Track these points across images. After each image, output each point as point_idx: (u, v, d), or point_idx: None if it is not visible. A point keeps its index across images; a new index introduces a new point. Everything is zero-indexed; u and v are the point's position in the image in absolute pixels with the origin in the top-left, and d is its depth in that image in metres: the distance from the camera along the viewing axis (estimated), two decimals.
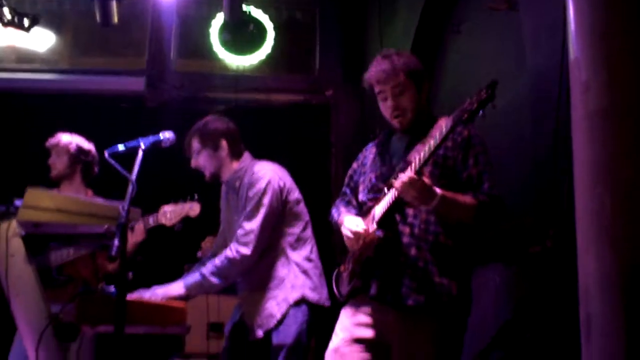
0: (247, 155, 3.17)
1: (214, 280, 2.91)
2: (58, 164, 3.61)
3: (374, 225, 2.35)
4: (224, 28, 4.94)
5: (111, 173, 2.63)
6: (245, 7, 4.68)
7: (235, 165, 3.13)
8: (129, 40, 5.09)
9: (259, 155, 3.21)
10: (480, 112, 2.02)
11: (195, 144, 3.11)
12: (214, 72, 5.12)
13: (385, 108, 2.47)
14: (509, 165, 2.98)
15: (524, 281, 2.95)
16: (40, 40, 4.91)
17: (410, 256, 2.32)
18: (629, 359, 1.78)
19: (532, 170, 2.95)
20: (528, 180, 2.97)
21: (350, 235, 2.45)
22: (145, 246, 3.30)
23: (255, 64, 5.07)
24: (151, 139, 2.65)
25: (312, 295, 2.96)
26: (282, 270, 2.98)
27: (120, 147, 2.63)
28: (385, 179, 2.40)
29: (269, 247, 2.99)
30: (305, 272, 2.99)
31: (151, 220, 3.19)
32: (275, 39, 5.00)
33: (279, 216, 3.01)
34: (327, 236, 3.74)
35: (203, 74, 5.16)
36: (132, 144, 2.62)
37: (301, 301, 2.94)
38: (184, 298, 2.88)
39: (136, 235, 3.20)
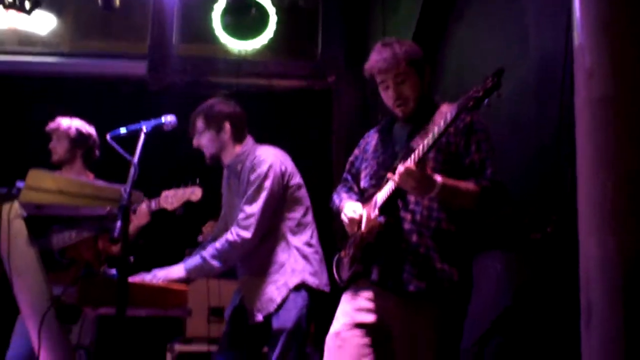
0: (249, 140, 3.17)
1: (215, 263, 2.92)
2: (59, 149, 3.61)
3: (376, 212, 2.35)
4: (226, 12, 4.92)
5: (112, 157, 2.63)
6: None
7: (238, 149, 3.13)
8: (131, 24, 5.06)
9: (260, 140, 3.21)
10: (486, 100, 2.01)
11: (200, 123, 3.11)
12: (216, 56, 5.10)
13: (388, 97, 2.47)
14: (511, 151, 2.98)
15: (524, 268, 2.95)
16: (42, 23, 4.90)
17: (411, 242, 2.33)
18: (629, 345, 1.78)
19: (535, 157, 2.95)
20: (531, 167, 2.96)
21: (349, 221, 2.45)
22: (147, 230, 3.30)
23: (258, 48, 5.05)
24: (153, 122, 2.65)
25: (312, 280, 2.97)
26: (283, 255, 2.98)
27: (122, 130, 2.63)
28: (387, 166, 2.40)
29: (269, 232, 3.00)
30: (305, 257, 3.00)
31: (153, 204, 3.19)
32: (278, 24, 4.99)
33: (280, 200, 3.02)
34: (328, 222, 3.74)
35: (205, 58, 5.13)
36: (134, 127, 2.62)
37: (301, 286, 2.95)
38: (185, 281, 2.89)
39: (140, 217, 3.20)
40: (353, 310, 2.43)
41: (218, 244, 2.94)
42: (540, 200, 2.81)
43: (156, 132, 2.64)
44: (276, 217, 3.01)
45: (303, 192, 3.12)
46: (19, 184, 2.44)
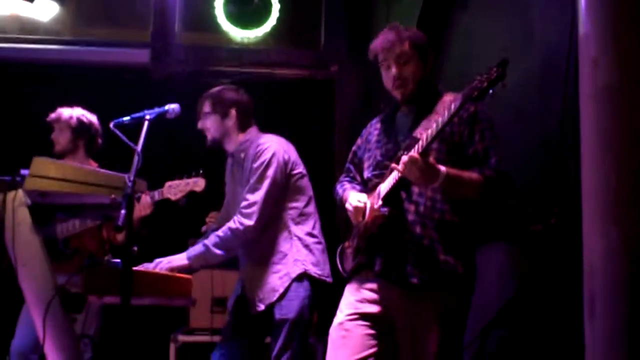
0: (254, 129, 3.17)
1: (217, 251, 2.92)
2: (61, 139, 3.60)
3: (380, 202, 2.35)
4: (229, 0, 4.91)
5: (115, 146, 2.63)
6: None
7: (241, 137, 3.13)
8: (134, 11, 5.03)
9: (261, 130, 3.20)
10: (490, 91, 2.01)
11: (206, 106, 3.13)
12: (219, 45, 5.08)
13: (388, 78, 2.46)
14: (514, 142, 2.98)
15: (527, 259, 2.95)
16: (44, 10, 4.87)
17: (415, 234, 2.32)
18: (633, 336, 1.79)
19: (538, 148, 2.94)
20: (534, 158, 2.96)
21: (354, 210, 2.45)
22: (150, 221, 3.30)
23: (260, 37, 5.04)
24: (157, 110, 2.65)
25: (314, 270, 2.97)
26: (285, 244, 2.98)
27: (126, 118, 2.63)
28: (390, 156, 2.39)
29: (271, 221, 2.99)
30: (307, 246, 3.00)
31: (156, 195, 3.19)
32: (280, 13, 4.98)
33: (283, 189, 3.02)
34: (331, 213, 3.74)
35: (207, 46, 5.12)
36: (137, 115, 2.62)
37: (303, 276, 2.95)
38: (187, 270, 2.89)
39: (143, 209, 3.20)
40: (357, 301, 2.42)
41: (221, 232, 2.94)
42: (543, 191, 2.81)
43: (159, 121, 2.64)
44: (278, 206, 3.01)
45: (306, 182, 3.12)
46: (23, 172, 2.44)
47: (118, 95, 4.61)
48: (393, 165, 2.26)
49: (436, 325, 2.28)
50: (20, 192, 2.47)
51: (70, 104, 3.70)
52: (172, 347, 4.04)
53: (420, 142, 2.18)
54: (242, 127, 3.14)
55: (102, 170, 2.63)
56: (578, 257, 1.98)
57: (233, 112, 3.11)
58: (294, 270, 2.94)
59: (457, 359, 2.37)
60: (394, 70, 2.42)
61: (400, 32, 2.43)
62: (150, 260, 2.90)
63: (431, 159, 2.17)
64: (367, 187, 2.52)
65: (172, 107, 2.72)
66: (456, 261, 2.31)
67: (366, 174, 2.57)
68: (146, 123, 2.55)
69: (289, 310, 2.90)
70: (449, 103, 2.14)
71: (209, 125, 3.12)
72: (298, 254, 2.97)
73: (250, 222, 2.92)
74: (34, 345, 3.23)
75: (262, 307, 2.93)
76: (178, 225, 3.91)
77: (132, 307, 2.21)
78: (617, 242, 1.83)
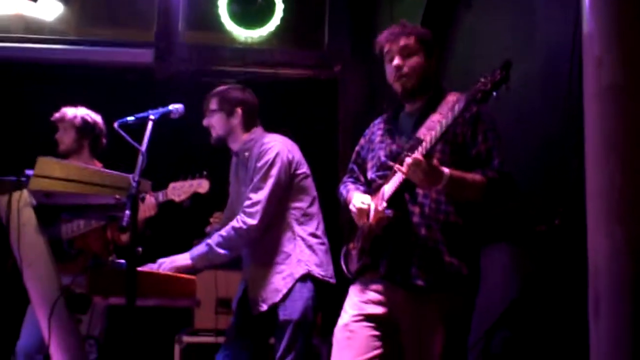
0: (259, 129, 3.18)
1: (220, 251, 2.93)
2: (65, 139, 3.60)
3: (384, 204, 2.34)
4: (233, 0, 4.91)
5: (119, 146, 2.63)
6: None
7: (246, 136, 3.13)
8: (137, 11, 5.04)
9: (265, 129, 3.21)
10: (494, 93, 2.01)
11: (213, 104, 3.15)
12: (222, 44, 5.09)
13: (390, 70, 2.45)
14: (517, 142, 2.97)
15: (531, 260, 2.95)
16: (48, 9, 4.88)
17: (420, 236, 2.32)
18: (637, 337, 1.78)
19: (541, 148, 2.94)
20: (537, 158, 2.96)
21: (358, 211, 2.44)
22: (154, 222, 3.30)
23: (264, 37, 5.04)
24: (161, 110, 2.66)
25: (317, 271, 2.97)
26: (288, 245, 2.98)
27: (130, 118, 2.63)
28: (394, 157, 2.38)
29: (275, 221, 2.99)
30: (310, 247, 3.00)
31: (161, 196, 3.19)
32: (284, 12, 4.97)
33: (286, 189, 3.01)
34: (334, 213, 3.73)
35: (211, 46, 5.12)
36: (141, 115, 2.62)
37: (307, 276, 2.94)
38: (191, 270, 2.89)
39: (147, 210, 3.20)
40: (362, 302, 2.42)
41: (224, 232, 2.95)
42: (546, 192, 2.81)
43: (163, 121, 2.65)
44: (282, 206, 3.01)
45: (310, 182, 3.12)
46: (28, 172, 2.44)
47: (122, 95, 4.61)
48: (397, 167, 2.25)
49: (441, 326, 2.28)
50: (25, 192, 2.47)
51: (75, 103, 3.69)
52: (177, 348, 4.03)
53: (424, 144, 2.17)
54: (247, 126, 3.15)
55: (107, 171, 2.63)
56: (582, 257, 1.97)
57: (239, 110, 3.12)
58: (298, 271, 2.94)
59: None
60: (396, 60, 2.41)
61: (407, 26, 2.45)
62: (155, 262, 2.91)
63: (435, 161, 2.16)
64: (371, 188, 2.51)
65: (176, 107, 2.73)
66: (461, 262, 2.30)
67: (370, 175, 2.56)
68: (150, 123, 2.56)
69: (292, 311, 2.90)
70: (452, 104, 2.14)
71: (215, 122, 3.13)
72: (301, 254, 2.97)
73: (253, 222, 2.92)
74: (39, 345, 3.22)
75: (264, 307, 2.93)
76: (182, 226, 3.91)
77: (136, 308, 2.21)
78: (621, 241, 1.83)
